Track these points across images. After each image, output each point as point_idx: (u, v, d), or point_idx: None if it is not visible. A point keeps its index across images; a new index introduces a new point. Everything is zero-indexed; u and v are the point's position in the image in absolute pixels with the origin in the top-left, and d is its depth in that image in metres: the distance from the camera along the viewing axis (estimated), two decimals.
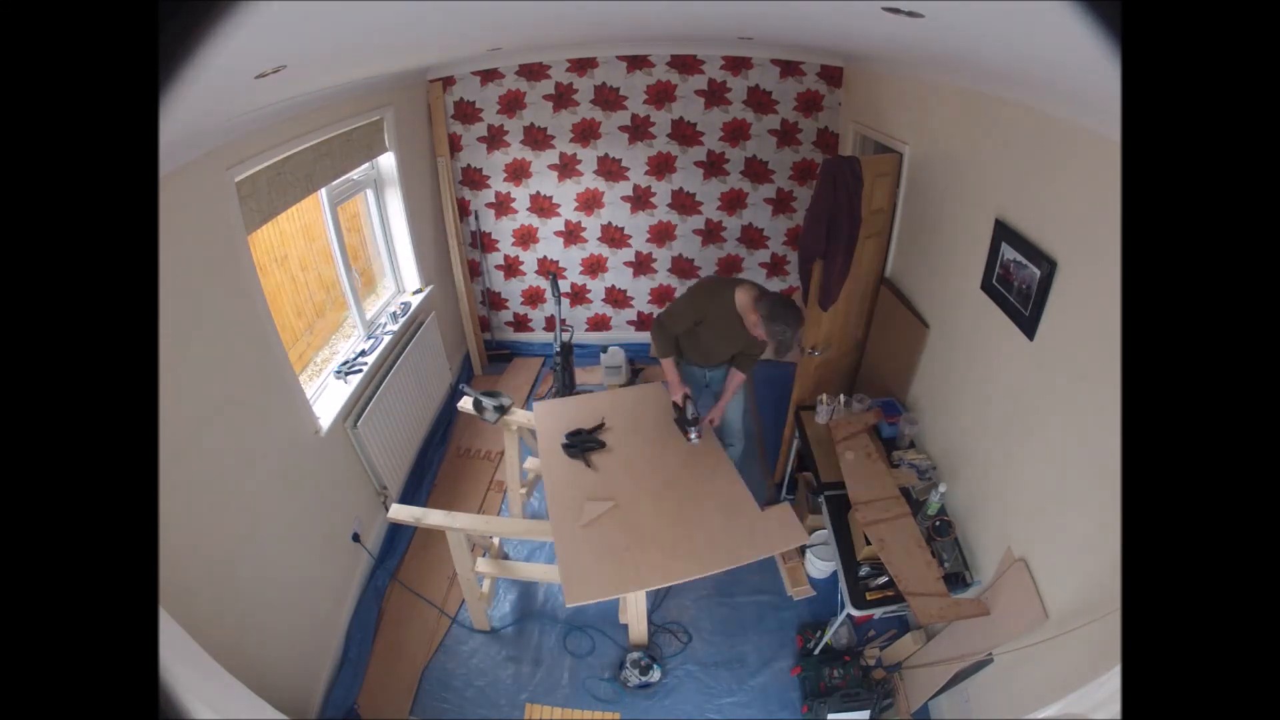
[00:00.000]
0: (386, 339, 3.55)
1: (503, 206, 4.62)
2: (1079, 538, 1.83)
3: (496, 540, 3.15)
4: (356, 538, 3.11)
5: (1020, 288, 2.09)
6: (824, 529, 3.06)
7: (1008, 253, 2.16)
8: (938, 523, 2.50)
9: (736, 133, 4.27)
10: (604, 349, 4.64)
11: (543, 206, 4.61)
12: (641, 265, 4.85)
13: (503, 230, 4.74)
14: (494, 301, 5.09)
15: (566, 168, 4.45)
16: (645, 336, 5.13)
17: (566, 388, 4.13)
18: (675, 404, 2.98)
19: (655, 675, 2.77)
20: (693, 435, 2.89)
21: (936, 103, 2.76)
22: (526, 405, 4.46)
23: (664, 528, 2.50)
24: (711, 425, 3.03)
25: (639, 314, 5.10)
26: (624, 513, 2.57)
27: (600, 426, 3.02)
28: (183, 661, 0.97)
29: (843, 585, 2.47)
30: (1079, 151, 1.78)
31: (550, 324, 5.14)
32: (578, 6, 2.20)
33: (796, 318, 2.56)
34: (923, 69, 2.73)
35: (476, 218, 4.66)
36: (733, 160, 4.38)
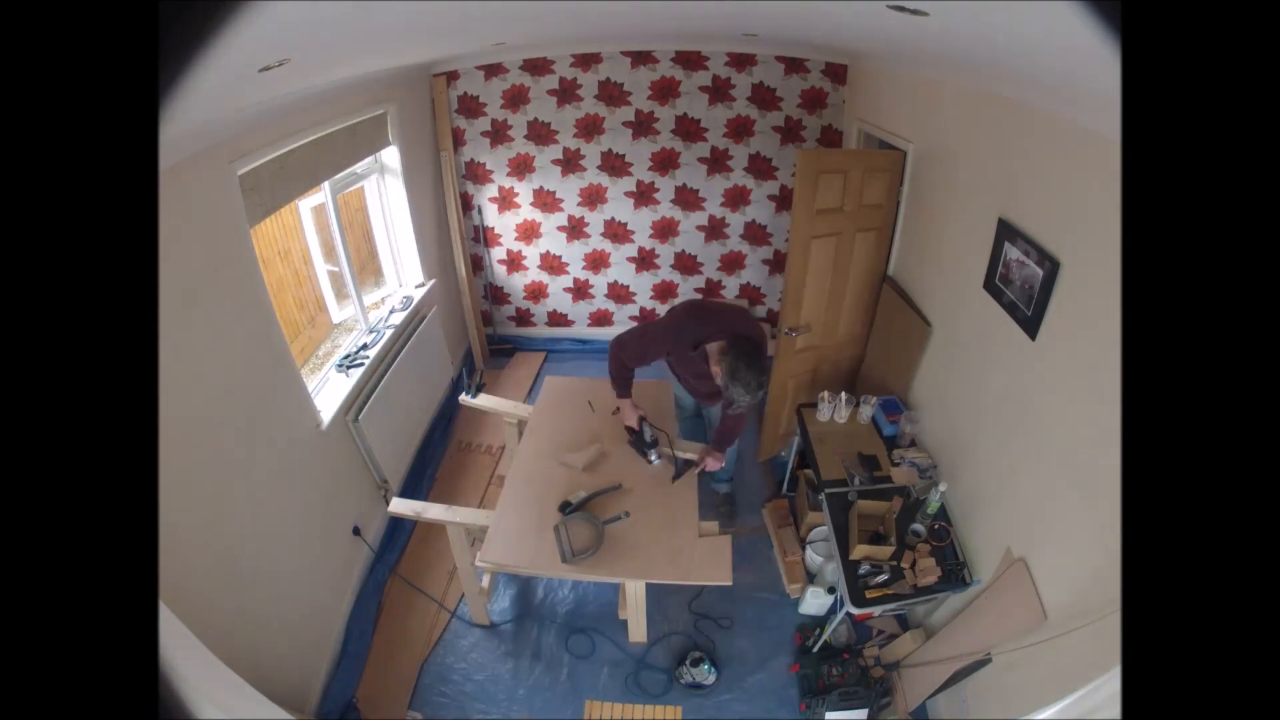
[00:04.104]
0: (389, 333, 3.55)
1: (506, 201, 4.62)
2: (1079, 538, 1.83)
3: None
4: (357, 531, 3.12)
5: (1022, 287, 2.09)
6: (824, 526, 3.06)
7: (1010, 252, 2.16)
8: (936, 525, 2.51)
9: (740, 129, 4.26)
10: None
11: (546, 201, 4.60)
12: (644, 261, 4.85)
13: (505, 225, 4.73)
14: (496, 296, 5.10)
15: (570, 163, 4.44)
16: None
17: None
18: (629, 428, 2.83)
19: (707, 677, 2.77)
20: (652, 457, 2.76)
21: (940, 101, 2.75)
22: (529, 400, 4.46)
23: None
24: (703, 470, 2.82)
25: (641, 309, 5.10)
26: (567, 494, 2.62)
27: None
28: (182, 655, 0.97)
29: (842, 583, 2.47)
30: (1082, 151, 1.78)
31: (554, 318, 5.15)
32: (582, 6, 2.20)
33: (755, 382, 2.28)
34: (927, 67, 2.72)
35: (479, 212, 4.66)
36: (736, 157, 4.37)
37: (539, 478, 2.74)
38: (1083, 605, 1.75)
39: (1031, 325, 2.05)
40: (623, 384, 2.77)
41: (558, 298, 5.07)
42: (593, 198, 4.58)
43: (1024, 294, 2.08)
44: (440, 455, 4.08)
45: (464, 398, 3.30)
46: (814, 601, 2.99)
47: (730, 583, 2.37)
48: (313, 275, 3.34)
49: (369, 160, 3.58)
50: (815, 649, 2.79)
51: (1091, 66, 1.12)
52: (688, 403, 3.30)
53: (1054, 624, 1.88)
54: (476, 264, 4.89)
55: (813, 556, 3.11)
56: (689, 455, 2.88)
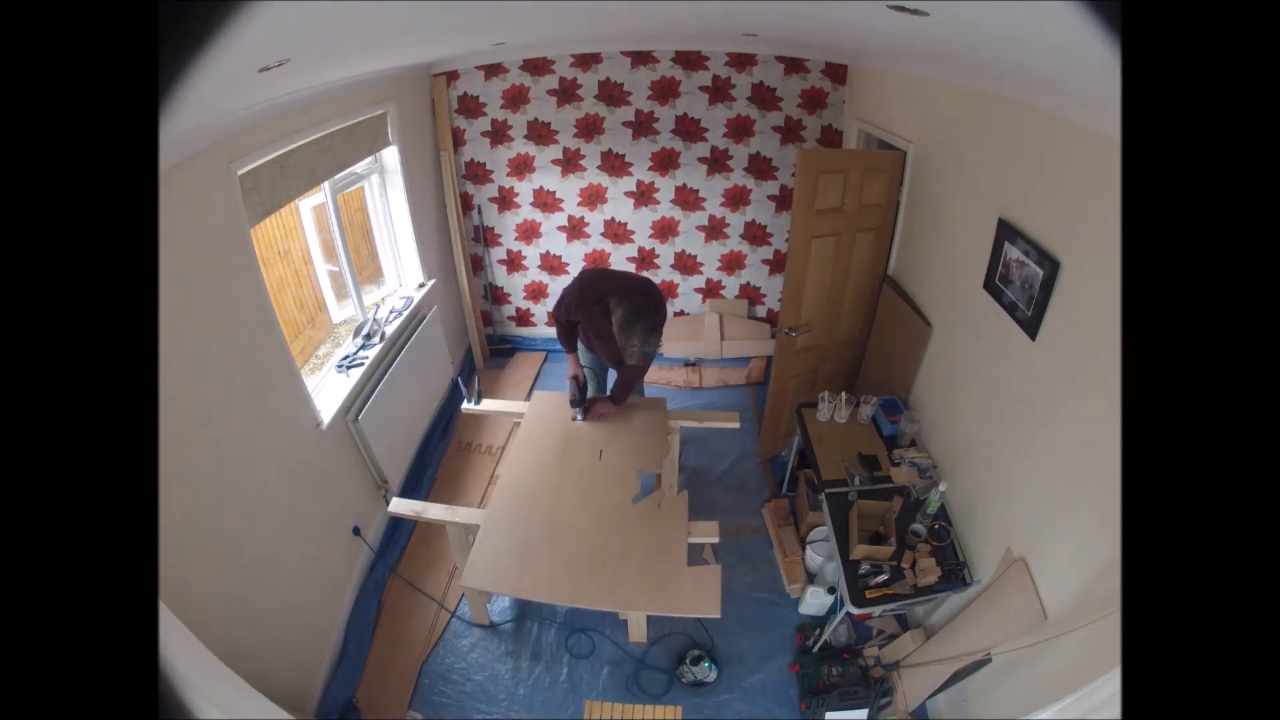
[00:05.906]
0: (389, 333, 3.55)
1: (506, 201, 4.62)
2: (1079, 538, 1.83)
3: None
4: (357, 531, 3.12)
5: (1022, 287, 2.09)
6: (824, 526, 3.06)
7: (1010, 252, 2.16)
8: (936, 525, 2.51)
9: (740, 129, 4.26)
10: None
11: (546, 202, 4.60)
12: (644, 261, 4.85)
13: (505, 225, 4.74)
14: (496, 296, 5.10)
15: (570, 163, 4.44)
16: None
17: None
18: (571, 379, 3.09)
19: (709, 674, 2.76)
20: (576, 415, 3.07)
21: (940, 101, 2.75)
22: (528, 399, 4.45)
23: (585, 548, 2.46)
24: (601, 417, 3.10)
25: None
26: (554, 516, 2.58)
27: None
28: (182, 655, 0.97)
29: (842, 583, 2.47)
30: (1082, 151, 1.78)
31: (554, 319, 5.14)
32: (583, 6, 2.20)
33: (645, 329, 2.46)
34: (927, 67, 2.72)
35: (479, 212, 4.66)
36: (736, 157, 4.37)
37: (524, 498, 2.68)
38: (1083, 605, 1.75)
39: (1031, 325, 2.05)
40: (567, 338, 3.12)
41: (558, 298, 5.06)
42: (593, 198, 4.58)
43: (1024, 294, 2.08)
44: (440, 455, 4.08)
45: (467, 406, 3.30)
46: (814, 601, 2.99)
47: (718, 615, 2.31)
48: (313, 275, 3.35)
49: (369, 160, 3.57)
50: (815, 649, 2.79)
51: (1092, 66, 1.12)
52: (595, 366, 3.42)
53: (1054, 624, 1.88)
54: (476, 264, 4.89)
55: (813, 556, 3.10)
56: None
